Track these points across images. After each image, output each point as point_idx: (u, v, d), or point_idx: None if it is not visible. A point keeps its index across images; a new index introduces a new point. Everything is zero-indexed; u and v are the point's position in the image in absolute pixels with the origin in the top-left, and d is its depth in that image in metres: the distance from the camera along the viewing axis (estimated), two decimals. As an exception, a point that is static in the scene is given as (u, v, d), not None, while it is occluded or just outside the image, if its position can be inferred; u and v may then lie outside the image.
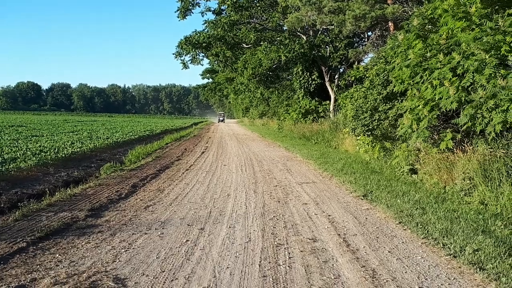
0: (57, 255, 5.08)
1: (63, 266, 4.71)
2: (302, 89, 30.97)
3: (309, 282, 4.37)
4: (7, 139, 20.36)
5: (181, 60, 33.89)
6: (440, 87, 8.65)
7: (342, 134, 18.46)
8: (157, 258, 5.03)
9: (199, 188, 9.62)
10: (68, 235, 5.89)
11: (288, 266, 4.79)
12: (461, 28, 8.55)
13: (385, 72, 13.60)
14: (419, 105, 9.32)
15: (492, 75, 7.46)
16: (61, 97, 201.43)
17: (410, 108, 9.75)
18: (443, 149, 8.83)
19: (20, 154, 13.75)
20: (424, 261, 4.98)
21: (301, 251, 5.31)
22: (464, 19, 8.53)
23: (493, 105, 7.24)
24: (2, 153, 13.97)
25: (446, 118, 9.51)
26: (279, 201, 8.22)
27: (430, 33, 10.08)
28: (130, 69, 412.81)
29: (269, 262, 4.90)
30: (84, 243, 5.54)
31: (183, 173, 11.92)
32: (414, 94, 9.77)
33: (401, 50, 10.88)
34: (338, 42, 28.61)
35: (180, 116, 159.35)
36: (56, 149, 15.95)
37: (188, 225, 6.49)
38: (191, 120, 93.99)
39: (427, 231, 5.96)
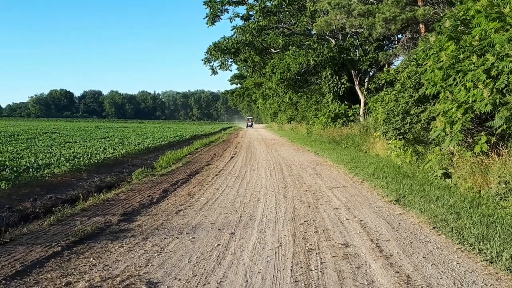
0: (91, 259, 5.17)
1: (97, 270, 4.79)
2: (331, 93, 30.79)
3: (342, 287, 4.32)
4: (41, 145, 20.90)
5: (210, 66, 34.24)
6: (473, 89, 8.46)
7: (372, 138, 18.24)
8: (189, 262, 5.06)
9: (229, 193, 9.65)
10: (102, 239, 6.00)
11: (320, 271, 4.75)
12: (495, 29, 8.35)
13: (417, 74, 13.40)
14: (452, 108, 9.15)
15: (528, 76, 7.26)
16: (93, 104, 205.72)
17: (443, 111, 9.57)
18: (478, 153, 8.63)
19: (54, 160, 14.08)
20: (459, 267, 4.86)
21: (333, 256, 5.25)
22: (498, 20, 8.33)
23: (530, 107, 7.03)
24: (37, 159, 14.34)
25: (480, 121, 9.28)
26: (309, 206, 8.17)
27: (462, 34, 9.89)
28: (160, 76, 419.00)
29: (301, 267, 4.87)
30: (117, 247, 5.63)
31: (213, 178, 11.99)
32: (447, 97, 9.59)
33: (433, 52, 10.71)
34: (367, 45, 28.35)
35: (209, 122, 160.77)
36: (89, 155, 16.28)
37: (219, 229, 6.51)
38: (220, 125, 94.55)
39: (462, 236, 5.82)
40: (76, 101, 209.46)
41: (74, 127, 56.86)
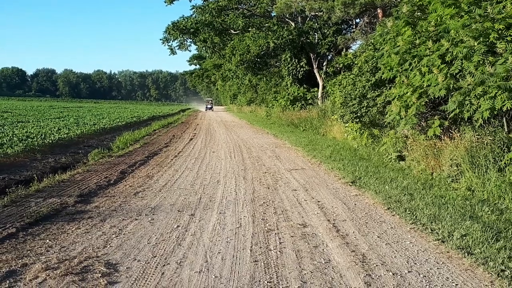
0: (48, 240, 5.05)
1: (54, 252, 4.69)
2: (290, 76, 30.92)
3: (300, 266, 4.41)
4: (-8, 125, 20.07)
5: (169, 46, 33.57)
6: (428, 74, 8.70)
7: (330, 121, 18.52)
8: (148, 243, 5.03)
9: (189, 174, 9.61)
10: (58, 220, 5.86)
11: (279, 251, 4.83)
12: (450, 15, 8.58)
13: (374, 59, 13.63)
14: (407, 92, 9.38)
15: (481, 62, 7.52)
16: (46, 82, 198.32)
17: (399, 95, 9.80)
18: (431, 136, 8.92)
19: (6, 140, 13.57)
20: (413, 246, 5.05)
21: (292, 236, 5.35)
22: (453, 6, 8.55)
23: (481, 92, 7.30)
24: (-12, 139, 13.78)
25: (434, 105, 9.58)
26: (268, 188, 8.25)
27: (419, 20, 10.10)
28: (116, 55, 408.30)
29: (260, 247, 4.93)
30: (74, 228, 5.52)
31: (172, 159, 11.88)
32: (403, 81, 9.82)
33: (390, 37, 10.91)
34: (326, 28, 28.55)
35: (167, 103, 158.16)
36: (43, 135, 15.78)
37: (179, 211, 6.49)
38: (179, 107, 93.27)
39: (415, 217, 6.03)
40: (29, 79, 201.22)
41: (26, 106, 54.76)
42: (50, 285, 3.88)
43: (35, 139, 14.17)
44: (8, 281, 3.94)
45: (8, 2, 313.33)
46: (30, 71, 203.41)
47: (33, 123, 22.74)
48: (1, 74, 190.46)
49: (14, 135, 15.11)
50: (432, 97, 8.76)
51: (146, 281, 4.02)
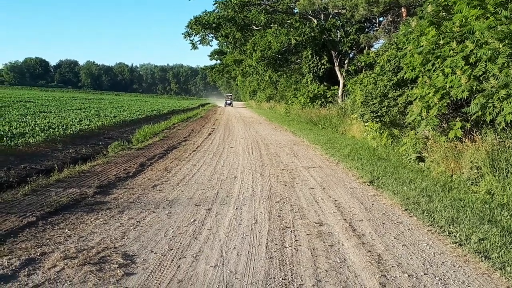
0: (67, 230, 5.15)
1: (73, 241, 4.78)
2: (311, 73, 30.82)
3: (315, 265, 4.41)
4: (15, 114, 20.46)
5: (190, 40, 33.83)
6: (451, 75, 8.59)
7: (350, 120, 18.41)
8: (165, 236, 5.09)
9: (206, 169, 9.67)
10: (77, 211, 5.97)
11: (294, 248, 4.84)
12: (476, 16, 8.45)
13: (396, 58, 13.50)
14: (429, 93, 9.27)
15: (505, 64, 7.39)
16: (69, 74, 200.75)
17: (420, 96, 9.70)
18: (452, 138, 8.80)
19: (28, 130, 13.83)
20: (429, 248, 5.01)
21: (307, 234, 5.35)
22: (478, 7, 8.42)
23: (504, 94, 7.19)
24: (11, 128, 14.05)
25: (456, 107, 9.44)
26: (285, 185, 8.26)
27: (443, 20, 9.96)
28: (138, 48, 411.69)
29: (276, 244, 4.95)
30: (93, 219, 5.61)
31: (190, 153, 11.97)
32: (425, 82, 9.71)
33: (414, 37, 10.78)
34: (349, 26, 28.36)
35: (187, 97, 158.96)
36: (64, 125, 16.02)
37: (196, 205, 6.54)
38: (198, 101, 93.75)
39: (433, 219, 5.98)
40: (52, 70, 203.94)
41: (49, 96, 55.67)
42: (68, 274, 3.96)
43: (56, 130, 14.40)
44: (27, 269, 4.03)
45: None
46: (53, 62, 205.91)
47: (55, 113, 23.10)
48: (25, 64, 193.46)
49: (36, 125, 15.38)
50: (454, 99, 8.64)
51: (162, 273, 4.07)
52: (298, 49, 30.17)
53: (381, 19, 26.94)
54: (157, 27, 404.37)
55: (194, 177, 8.66)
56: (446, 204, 6.64)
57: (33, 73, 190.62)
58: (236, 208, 6.44)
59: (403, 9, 20.09)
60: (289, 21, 31.82)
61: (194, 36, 33.58)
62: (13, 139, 11.54)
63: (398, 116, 13.36)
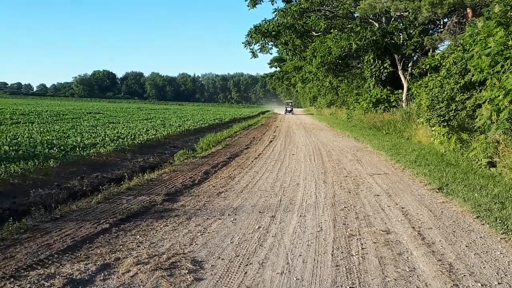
0: (138, 236, 5.37)
1: (144, 247, 4.97)
2: (373, 78, 30.20)
3: (383, 273, 4.33)
4: (86, 125, 21.60)
5: (251, 49, 34.16)
6: (524, 77, 8.16)
7: (415, 124, 17.87)
8: (231, 243, 5.18)
9: (269, 176, 9.73)
10: (147, 218, 6.20)
11: (361, 257, 4.77)
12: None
13: (463, 60, 13.00)
14: (499, 95, 8.87)
15: None
16: (135, 85, 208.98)
17: (490, 98, 9.29)
18: (526, 142, 8.35)
19: (99, 140, 14.54)
20: (503, 256, 4.78)
21: (374, 242, 5.25)
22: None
23: None
24: (83, 138, 14.84)
25: (530, 109, 8.96)
26: (349, 192, 8.15)
27: (513, 20, 9.51)
28: (199, 59, 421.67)
29: (342, 252, 4.90)
30: (162, 226, 5.81)
31: (252, 161, 12.09)
32: (494, 84, 9.30)
33: (481, 38, 10.36)
34: (412, 29, 27.53)
35: (247, 105, 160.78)
36: (132, 135, 16.71)
37: (260, 212, 6.60)
38: (258, 109, 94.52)
39: (507, 227, 5.70)
40: (119, 82, 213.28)
41: (116, 107, 58.26)
42: (141, 279, 4.12)
43: (125, 140, 15.05)
44: (102, 274, 4.24)
45: (102, 8, 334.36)
46: (119, 74, 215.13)
47: (123, 124, 24.13)
48: (93, 77, 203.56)
49: (106, 135, 16.15)
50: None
51: (230, 279, 4.15)
52: (359, 53, 29.66)
53: (445, 20, 25.98)
54: (217, 37, 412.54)
55: (257, 185, 8.74)
56: (522, 211, 6.29)
57: (101, 85, 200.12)
58: (300, 216, 6.43)
59: (468, 10, 19.31)
60: (349, 25, 31.42)
61: (254, 44, 33.92)
62: (85, 149, 12.18)
63: (466, 120, 12.85)
